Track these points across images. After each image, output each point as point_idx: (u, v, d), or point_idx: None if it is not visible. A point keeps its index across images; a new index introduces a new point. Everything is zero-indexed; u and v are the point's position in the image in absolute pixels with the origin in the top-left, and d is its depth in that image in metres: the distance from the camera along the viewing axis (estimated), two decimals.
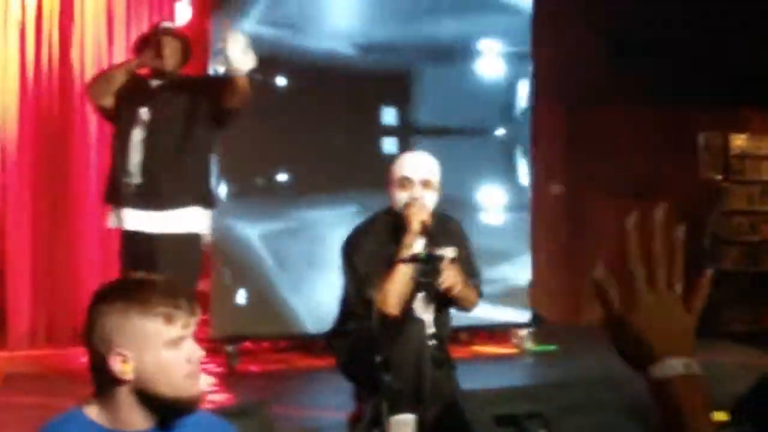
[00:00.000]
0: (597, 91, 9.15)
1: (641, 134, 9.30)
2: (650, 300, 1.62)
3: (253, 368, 7.67)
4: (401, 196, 4.97)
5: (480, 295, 5.19)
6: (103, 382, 2.28)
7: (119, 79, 6.11)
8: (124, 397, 2.26)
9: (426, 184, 5.00)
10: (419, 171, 5.01)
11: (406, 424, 4.89)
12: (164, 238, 6.01)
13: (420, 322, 4.92)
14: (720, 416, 3.93)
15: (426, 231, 4.88)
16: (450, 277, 4.81)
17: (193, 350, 2.27)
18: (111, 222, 6.16)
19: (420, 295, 4.99)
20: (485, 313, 8.08)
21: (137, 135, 6.07)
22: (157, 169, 6.05)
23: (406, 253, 4.84)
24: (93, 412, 2.30)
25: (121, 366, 2.23)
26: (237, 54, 5.67)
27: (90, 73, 7.76)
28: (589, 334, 9.00)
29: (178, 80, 6.23)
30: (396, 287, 4.83)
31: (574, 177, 9.40)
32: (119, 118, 6.14)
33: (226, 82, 5.87)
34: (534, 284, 9.05)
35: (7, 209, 7.84)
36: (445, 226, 5.15)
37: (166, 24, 6.42)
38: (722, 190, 10.00)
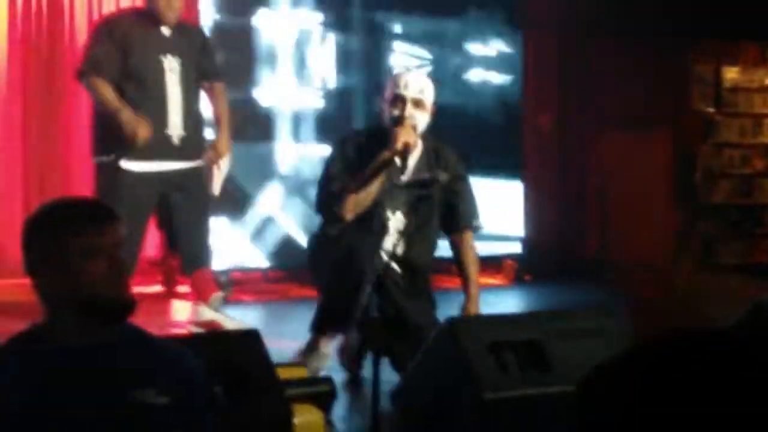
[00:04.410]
0: (589, 21, 9.08)
1: (634, 65, 9.25)
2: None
3: (246, 298, 7.69)
4: (391, 113, 4.95)
5: (476, 229, 5.24)
6: (44, 300, 2.32)
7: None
8: (61, 311, 2.30)
9: (418, 103, 4.95)
10: (412, 89, 4.97)
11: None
12: (183, 173, 6.14)
13: (375, 237, 4.82)
14: None
15: (407, 151, 4.86)
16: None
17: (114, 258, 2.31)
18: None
19: (395, 225, 4.98)
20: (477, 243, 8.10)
21: (170, 86, 6.01)
22: (193, 121, 6.09)
23: (379, 165, 4.84)
24: (40, 331, 2.34)
25: (52, 280, 2.29)
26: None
27: (80, 12, 7.67)
28: (581, 265, 9.04)
29: (183, 28, 6.17)
30: (360, 197, 4.84)
31: (566, 108, 9.35)
32: (131, 67, 5.99)
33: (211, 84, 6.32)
34: (527, 215, 9.06)
35: None
36: (438, 152, 5.13)
37: None
38: (714, 123, 9.97)
